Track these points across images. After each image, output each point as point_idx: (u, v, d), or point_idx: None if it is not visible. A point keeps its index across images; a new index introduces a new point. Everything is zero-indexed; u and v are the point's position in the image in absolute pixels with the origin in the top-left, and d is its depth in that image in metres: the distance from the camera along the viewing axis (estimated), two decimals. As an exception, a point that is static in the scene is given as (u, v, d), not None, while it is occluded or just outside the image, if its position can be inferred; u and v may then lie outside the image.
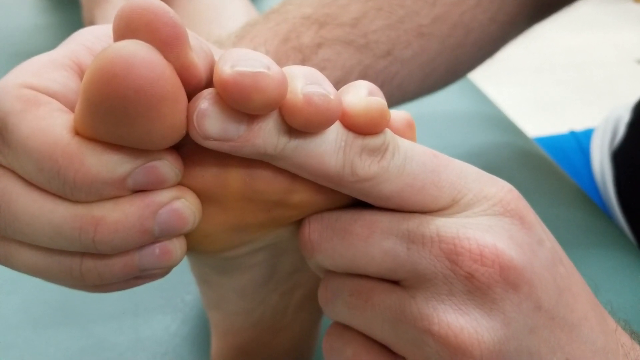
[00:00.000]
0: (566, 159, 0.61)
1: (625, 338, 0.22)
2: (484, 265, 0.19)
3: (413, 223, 0.20)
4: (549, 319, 0.20)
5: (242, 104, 0.17)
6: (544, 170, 0.51)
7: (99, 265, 0.18)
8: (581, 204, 0.47)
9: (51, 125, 0.17)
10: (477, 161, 0.54)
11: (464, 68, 0.43)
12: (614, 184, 0.56)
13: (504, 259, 0.19)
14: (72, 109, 0.18)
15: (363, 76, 0.37)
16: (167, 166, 0.18)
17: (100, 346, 0.34)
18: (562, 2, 0.44)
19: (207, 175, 0.19)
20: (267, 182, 0.19)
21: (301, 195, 0.20)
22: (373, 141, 0.19)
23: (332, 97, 0.18)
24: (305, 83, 0.18)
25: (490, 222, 0.20)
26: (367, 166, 0.19)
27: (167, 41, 0.16)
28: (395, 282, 0.20)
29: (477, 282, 0.19)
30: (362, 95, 0.19)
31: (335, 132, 0.19)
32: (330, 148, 0.19)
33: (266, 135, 0.18)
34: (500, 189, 0.20)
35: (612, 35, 2.43)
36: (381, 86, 0.38)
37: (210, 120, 0.17)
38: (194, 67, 0.18)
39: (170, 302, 0.37)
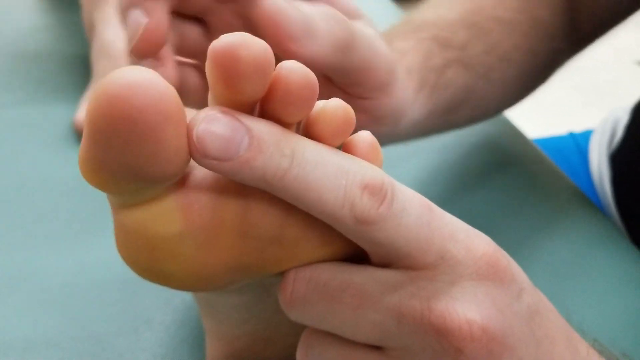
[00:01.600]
0: (565, 160, 0.61)
1: (595, 358, 0.23)
2: (473, 342, 0.19)
3: (405, 294, 0.20)
4: None
5: (232, 65, 0.17)
6: (542, 171, 0.51)
7: None
8: (579, 203, 0.48)
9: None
10: (477, 161, 0.54)
11: (525, 93, 0.49)
12: (611, 185, 0.56)
13: (489, 333, 0.20)
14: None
15: (467, 95, 0.41)
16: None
17: (100, 347, 0.34)
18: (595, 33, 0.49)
19: (204, 211, 0.19)
20: (262, 215, 0.19)
21: (295, 231, 0.20)
22: (373, 180, 0.19)
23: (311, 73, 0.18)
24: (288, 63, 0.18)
25: (475, 287, 0.20)
26: (366, 210, 0.19)
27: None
28: (379, 348, 0.21)
29: (464, 357, 0.20)
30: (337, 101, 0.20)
31: (336, 167, 0.19)
32: (330, 183, 0.18)
33: (267, 156, 0.18)
34: (484, 252, 0.21)
35: (612, 37, 2.43)
36: (476, 107, 0.43)
37: (210, 136, 0.17)
38: (284, 20, 0.21)
39: (170, 303, 0.37)
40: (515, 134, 0.57)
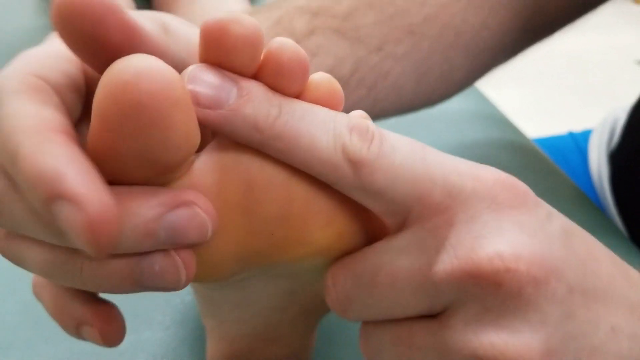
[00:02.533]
0: (564, 159, 0.61)
1: None
2: (509, 271, 0.18)
3: (430, 251, 0.19)
4: (581, 296, 0.19)
5: (223, 38, 0.17)
6: (542, 170, 0.52)
7: (96, 268, 0.18)
8: (579, 202, 0.48)
9: (38, 111, 0.16)
10: (477, 160, 0.54)
11: (460, 75, 0.42)
12: (610, 184, 0.56)
13: (524, 257, 0.19)
14: (73, 102, 0.19)
15: (356, 69, 0.37)
16: (82, 215, 0.15)
17: (100, 347, 0.34)
18: (558, 16, 0.44)
19: (208, 191, 0.19)
20: (265, 190, 0.19)
21: (301, 206, 0.20)
22: (358, 123, 0.20)
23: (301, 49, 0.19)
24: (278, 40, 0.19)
25: (498, 219, 0.19)
26: (357, 149, 0.19)
27: (102, 13, 0.17)
28: (433, 316, 0.20)
29: (507, 289, 0.18)
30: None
31: (323, 114, 0.19)
32: (320, 128, 0.19)
33: (256, 104, 0.18)
34: (496, 178, 0.20)
35: (612, 37, 2.44)
36: (374, 84, 0.38)
37: (200, 83, 0.18)
38: (137, 26, 0.18)
39: (170, 303, 0.37)
40: (515, 134, 0.57)
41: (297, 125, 0.19)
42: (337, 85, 0.20)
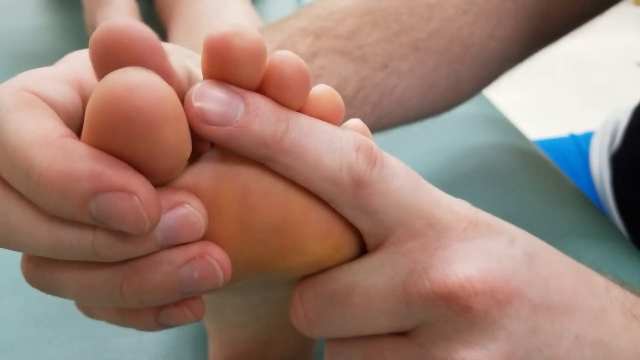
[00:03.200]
0: (566, 161, 0.61)
1: (616, 291, 0.23)
2: (477, 295, 0.20)
3: (403, 272, 0.20)
4: (545, 312, 0.21)
5: (226, 52, 0.17)
6: (544, 172, 0.52)
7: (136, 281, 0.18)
8: (580, 204, 0.48)
9: (39, 125, 0.17)
10: (478, 162, 0.54)
11: (466, 86, 0.42)
12: (611, 186, 0.56)
13: (491, 281, 0.20)
14: (68, 121, 0.19)
15: (360, 87, 0.37)
16: (135, 205, 0.16)
17: (102, 347, 0.34)
18: (565, 23, 0.44)
19: (202, 198, 0.19)
20: (261, 199, 0.19)
21: (297, 217, 0.20)
22: (364, 143, 0.20)
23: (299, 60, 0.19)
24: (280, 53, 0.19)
25: (466, 247, 0.21)
26: (363, 170, 0.19)
27: (145, 53, 0.17)
28: (402, 333, 0.21)
29: (475, 312, 0.20)
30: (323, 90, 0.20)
31: (330, 131, 0.19)
32: (326, 146, 0.19)
33: (263, 120, 0.18)
34: (466, 214, 0.21)
35: (613, 39, 2.44)
36: (379, 100, 0.38)
37: (208, 100, 0.18)
38: (173, 74, 0.18)
39: (171, 303, 0.37)
40: (516, 135, 0.57)
41: (305, 141, 0.19)
42: (338, 98, 0.21)
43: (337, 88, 0.36)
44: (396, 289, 0.20)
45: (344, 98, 0.36)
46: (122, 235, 0.17)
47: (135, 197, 0.16)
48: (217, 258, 0.19)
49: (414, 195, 0.20)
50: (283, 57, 0.19)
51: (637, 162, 0.53)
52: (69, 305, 0.37)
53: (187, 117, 0.18)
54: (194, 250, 0.19)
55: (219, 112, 0.18)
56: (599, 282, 0.23)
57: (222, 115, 0.18)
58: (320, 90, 0.20)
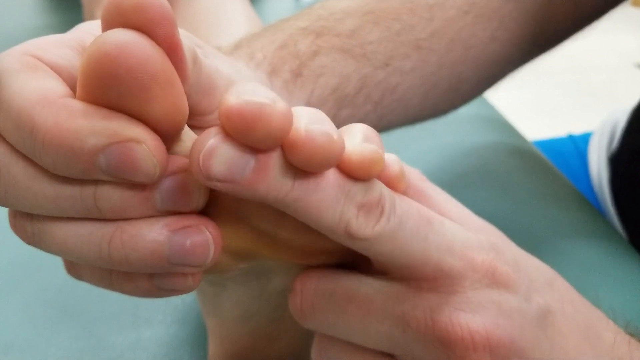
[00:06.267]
0: (564, 162, 0.61)
1: (623, 348, 0.23)
2: (476, 352, 0.20)
3: (408, 305, 0.20)
4: None
5: (246, 133, 0.16)
6: (542, 173, 0.52)
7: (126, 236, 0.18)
8: (578, 205, 0.48)
9: (41, 85, 0.17)
10: (477, 162, 0.54)
11: (468, 87, 0.42)
12: (609, 187, 0.56)
13: (493, 340, 0.20)
14: (72, 85, 0.19)
15: (362, 86, 0.37)
16: (145, 152, 0.17)
17: (101, 346, 0.34)
18: (566, 26, 0.44)
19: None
20: (255, 210, 0.19)
21: (288, 233, 0.20)
22: (370, 199, 0.19)
23: (335, 136, 0.17)
24: (309, 121, 0.17)
25: (479, 297, 0.20)
26: (362, 229, 0.19)
27: (155, 20, 0.17)
28: (390, 356, 0.21)
29: None
30: (357, 142, 0.19)
31: (337, 189, 0.18)
32: (329, 204, 0.18)
33: (270, 182, 0.17)
34: (484, 255, 0.21)
35: (612, 40, 2.44)
36: (381, 99, 0.38)
37: (215, 160, 0.17)
38: (180, 48, 0.18)
39: (171, 303, 0.37)
40: (515, 136, 0.57)
41: (308, 199, 0.18)
42: (370, 156, 0.19)
43: (338, 86, 0.36)
44: (396, 315, 0.20)
45: (346, 96, 0.36)
46: (124, 188, 0.17)
47: (144, 145, 0.17)
48: (211, 232, 0.19)
49: (421, 243, 0.20)
50: (311, 137, 0.17)
51: (635, 162, 0.53)
52: (69, 305, 0.37)
53: (191, 167, 0.17)
54: (191, 219, 0.19)
55: (226, 174, 0.17)
56: (608, 338, 0.23)
57: (228, 176, 0.17)
58: (352, 149, 0.19)
